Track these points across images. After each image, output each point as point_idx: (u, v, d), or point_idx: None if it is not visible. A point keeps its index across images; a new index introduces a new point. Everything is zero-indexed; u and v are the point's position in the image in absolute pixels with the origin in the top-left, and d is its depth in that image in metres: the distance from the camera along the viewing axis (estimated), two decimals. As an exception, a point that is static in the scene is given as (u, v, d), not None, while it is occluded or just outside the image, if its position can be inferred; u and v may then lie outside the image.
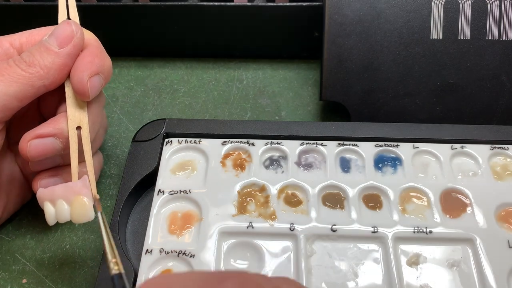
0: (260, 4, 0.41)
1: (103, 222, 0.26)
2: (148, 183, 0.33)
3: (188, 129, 0.34)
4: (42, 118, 0.33)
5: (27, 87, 0.27)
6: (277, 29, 0.43)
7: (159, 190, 0.31)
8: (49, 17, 0.44)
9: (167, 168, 0.33)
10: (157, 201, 0.31)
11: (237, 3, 0.41)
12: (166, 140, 0.34)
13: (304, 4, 0.41)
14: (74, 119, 0.29)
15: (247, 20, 0.42)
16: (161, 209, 0.31)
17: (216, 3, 0.41)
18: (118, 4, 0.41)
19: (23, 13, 0.42)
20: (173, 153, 0.34)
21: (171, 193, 0.31)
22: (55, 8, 0.42)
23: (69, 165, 0.29)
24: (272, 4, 0.41)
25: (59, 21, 0.30)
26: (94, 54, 0.29)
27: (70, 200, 0.27)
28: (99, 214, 0.27)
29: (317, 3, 0.41)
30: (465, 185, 0.32)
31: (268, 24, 0.43)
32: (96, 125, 0.31)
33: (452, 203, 0.31)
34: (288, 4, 0.41)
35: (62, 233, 0.33)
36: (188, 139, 0.34)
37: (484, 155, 0.33)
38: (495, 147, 0.33)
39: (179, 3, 0.41)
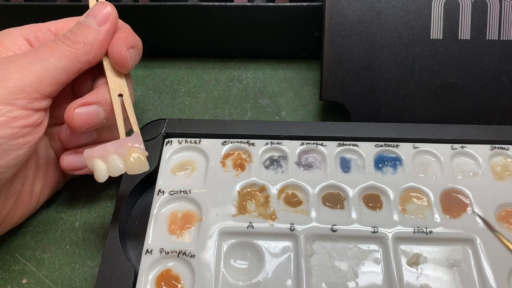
0: (260, 4, 0.41)
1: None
2: (148, 183, 0.33)
3: (188, 129, 0.34)
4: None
5: (74, 62, 0.29)
6: (277, 29, 0.43)
7: (159, 190, 0.31)
8: (49, 17, 0.44)
9: (167, 168, 0.33)
10: (157, 201, 0.31)
11: (237, 3, 0.41)
12: (166, 140, 0.34)
13: (304, 4, 0.41)
14: (115, 88, 0.31)
15: (247, 20, 0.42)
16: (161, 209, 0.31)
17: (216, 3, 0.41)
18: (118, 4, 0.41)
19: (23, 13, 0.42)
20: (173, 153, 0.34)
21: (171, 193, 0.31)
22: (55, 8, 0.42)
23: (100, 142, 0.30)
24: (272, 4, 0.41)
25: (90, 5, 0.31)
26: (128, 32, 0.32)
27: (124, 154, 0.28)
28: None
29: (317, 3, 0.41)
30: (465, 185, 0.32)
31: (268, 24, 0.43)
32: (133, 94, 0.32)
33: (452, 203, 0.31)
34: (288, 4, 0.41)
35: (62, 233, 0.33)
36: (188, 139, 0.34)
37: (484, 155, 0.33)
38: (495, 147, 0.33)
39: (179, 3, 0.41)
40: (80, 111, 0.29)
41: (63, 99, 0.33)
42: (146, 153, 0.29)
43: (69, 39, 0.29)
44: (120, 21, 0.32)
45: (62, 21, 0.32)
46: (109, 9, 0.30)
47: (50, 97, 0.29)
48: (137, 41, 0.32)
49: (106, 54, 0.31)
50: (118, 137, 0.30)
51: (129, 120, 0.31)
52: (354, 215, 0.30)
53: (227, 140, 0.34)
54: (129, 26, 0.33)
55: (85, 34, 0.29)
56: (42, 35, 0.31)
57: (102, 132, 0.33)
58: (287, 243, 0.29)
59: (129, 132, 0.30)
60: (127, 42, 0.31)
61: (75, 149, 0.32)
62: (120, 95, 0.31)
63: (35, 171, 0.32)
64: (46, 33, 0.31)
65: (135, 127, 0.30)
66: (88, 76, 0.32)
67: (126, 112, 0.31)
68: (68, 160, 0.31)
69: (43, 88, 0.28)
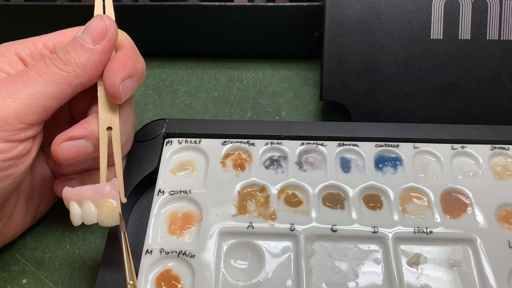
0: (260, 4, 0.41)
1: (125, 242, 0.26)
2: (148, 183, 0.33)
3: (188, 129, 0.34)
4: (72, 119, 0.33)
5: (65, 86, 0.27)
6: (277, 29, 0.43)
7: (159, 190, 0.31)
8: (49, 17, 0.44)
9: (167, 168, 0.33)
10: (157, 201, 0.31)
11: (237, 3, 0.41)
12: (166, 140, 0.34)
13: (304, 4, 0.41)
14: (105, 119, 0.28)
15: (247, 20, 0.42)
16: (161, 209, 0.31)
17: (216, 3, 0.41)
18: (118, 4, 0.41)
19: (23, 13, 0.42)
20: (173, 153, 0.34)
21: (171, 193, 0.31)
22: (55, 8, 0.42)
23: (97, 169, 0.29)
24: (272, 4, 0.41)
25: (95, 14, 0.29)
26: (127, 56, 0.29)
27: (98, 202, 0.27)
28: (121, 233, 0.27)
29: (317, 3, 0.41)
30: (465, 185, 0.31)
31: (268, 24, 0.43)
32: (127, 126, 0.30)
33: (453, 203, 0.31)
34: (288, 4, 0.41)
35: (62, 233, 0.33)
36: (188, 139, 0.34)
37: (485, 155, 0.33)
38: (495, 147, 0.33)
39: (179, 3, 0.41)
40: (66, 146, 0.27)
41: (60, 119, 0.31)
42: (125, 200, 0.28)
43: (61, 61, 0.27)
44: (124, 39, 0.30)
45: (60, 35, 0.30)
46: (107, 25, 0.28)
47: (39, 124, 0.27)
48: (136, 67, 0.29)
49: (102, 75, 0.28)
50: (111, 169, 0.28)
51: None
52: (354, 215, 0.30)
53: (227, 140, 0.34)
54: (132, 46, 0.30)
55: (78, 54, 0.27)
56: (38, 52, 0.29)
57: (98, 159, 0.30)
58: (287, 243, 0.29)
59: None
60: (124, 70, 0.28)
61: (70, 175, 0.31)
62: (110, 128, 0.28)
63: (30, 191, 0.31)
64: (41, 49, 0.29)
65: (118, 169, 0.28)
66: (87, 94, 0.30)
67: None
68: (62, 188, 0.29)
69: (28, 117, 0.26)
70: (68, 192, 0.27)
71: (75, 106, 0.32)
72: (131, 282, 0.24)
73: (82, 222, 0.27)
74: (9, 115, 0.25)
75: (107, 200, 0.27)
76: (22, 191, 0.30)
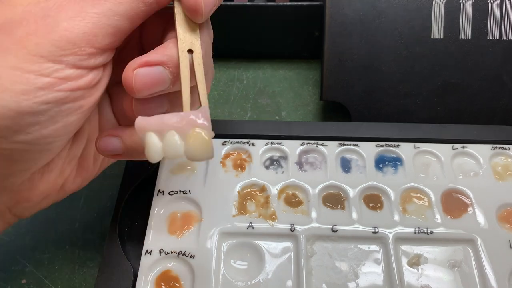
0: (260, 4, 0.41)
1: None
2: (148, 183, 0.33)
3: (188, 129, 0.34)
4: (144, 52, 0.28)
5: (138, 4, 0.23)
6: (277, 29, 0.43)
7: (159, 191, 0.31)
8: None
9: (167, 168, 0.33)
10: (157, 201, 0.31)
11: (237, 3, 0.41)
12: (166, 140, 0.34)
13: (304, 4, 0.41)
14: (185, 41, 0.24)
15: (247, 20, 0.42)
16: (161, 210, 0.31)
17: (216, 3, 0.41)
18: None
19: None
20: (173, 153, 0.34)
21: (171, 193, 0.31)
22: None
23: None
24: (272, 4, 0.41)
25: None
26: None
27: (185, 133, 0.22)
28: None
29: (317, 3, 0.41)
30: (466, 185, 0.31)
31: (268, 24, 0.43)
32: (208, 51, 0.26)
33: (453, 203, 0.31)
34: (288, 4, 0.41)
35: (62, 233, 0.33)
36: (188, 139, 0.34)
37: (485, 155, 0.33)
38: (496, 147, 0.33)
39: (179, 3, 0.41)
40: (140, 73, 0.23)
41: (130, 50, 0.28)
42: (213, 134, 0.23)
43: None
44: None
45: None
46: None
47: (110, 49, 0.23)
48: None
49: None
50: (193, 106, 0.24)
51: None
52: (354, 215, 0.30)
53: (227, 140, 0.34)
54: None
55: None
56: None
57: (176, 100, 0.25)
58: (288, 244, 0.29)
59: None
60: None
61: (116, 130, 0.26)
62: (190, 51, 0.24)
63: (96, 134, 0.27)
64: None
65: (203, 98, 0.24)
66: (160, 21, 0.26)
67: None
68: (102, 144, 0.26)
69: (99, 40, 0.22)
70: (146, 121, 0.22)
71: (147, 34, 0.28)
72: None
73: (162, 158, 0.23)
74: (77, 36, 0.21)
75: (197, 128, 0.22)
76: (92, 133, 0.27)
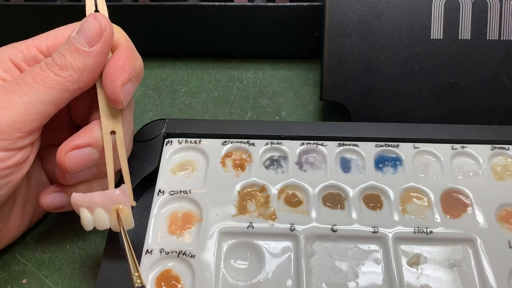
0: (260, 4, 0.41)
1: (125, 237, 0.26)
2: (148, 183, 0.33)
3: (188, 129, 0.34)
4: (70, 119, 0.32)
5: (62, 92, 0.26)
6: (277, 29, 0.43)
7: (159, 190, 0.31)
8: (49, 16, 0.44)
9: (167, 168, 0.33)
10: (157, 201, 0.31)
11: (237, 3, 0.41)
12: (166, 140, 0.34)
13: (304, 4, 0.41)
14: (108, 124, 0.28)
15: (247, 20, 0.42)
16: (161, 209, 0.31)
17: (216, 3, 0.41)
18: (118, 4, 0.41)
19: (23, 13, 0.42)
20: (173, 153, 0.34)
21: (171, 193, 0.31)
22: (55, 8, 0.42)
23: (99, 178, 0.29)
24: (272, 4, 0.41)
25: (87, 13, 0.28)
26: (125, 57, 0.28)
27: (109, 209, 0.27)
28: (121, 229, 0.27)
29: (317, 3, 0.41)
30: (465, 185, 0.31)
31: (268, 24, 0.43)
32: (129, 129, 0.30)
33: (453, 203, 0.31)
34: (288, 4, 0.41)
35: (62, 233, 0.33)
36: (188, 139, 0.34)
37: (485, 155, 0.33)
38: (495, 147, 0.33)
39: (179, 3, 0.41)
40: (72, 155, 0.27)
41: (58, 121, 0.31)
42: (134, 203, 0.28)
43: (57, 65, 0.26)
44: (120, 37, 0.29)
45: (53, 37, 0.28)
46: (102, 25, 0.27)
47: (36, 130, 0.26)
48: (135, 68, 0.28)
49: (101, 78, 0.28)
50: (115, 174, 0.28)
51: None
52: (354, 215, 0.30)
53: (227, 140, 0.34)
54: (129, 45, 0.29)
55: (74, 58, 0.26)
56: (31, 56, 0.28)
57: (103, 165, 0.29)
58: (287, 243, 0.29)
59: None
60: (123, 74, 0.27)
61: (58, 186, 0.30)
62: (113, 132, 0.28)
63: (26, 194, 0.31)
64: (35, 54, 0.28)
65: (125, 173, 0.28)
66: (86, 95, 0.29)
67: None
68: (48, 201, 0.29)
69: (26, 125, 0.25)
70: (78, 199, 0.27)
71: (74, 108, 0.31)
72: (136, 274, 0.24)
73: (94, 227, 0.27)
74: (6, 124, 0.25)
75: (118, 206, 0.27)
76: (18, 195, 0.30)
